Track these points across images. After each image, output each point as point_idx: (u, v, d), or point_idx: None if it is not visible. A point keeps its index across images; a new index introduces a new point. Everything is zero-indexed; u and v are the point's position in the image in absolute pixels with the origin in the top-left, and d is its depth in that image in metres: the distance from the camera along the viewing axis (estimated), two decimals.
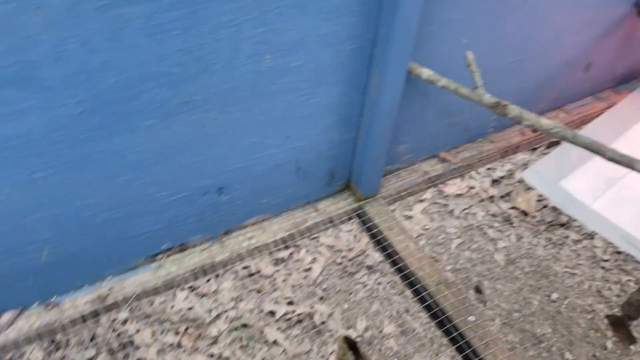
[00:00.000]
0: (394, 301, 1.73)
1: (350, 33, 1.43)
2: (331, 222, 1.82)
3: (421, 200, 2.13)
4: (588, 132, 2.18)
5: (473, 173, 2.19)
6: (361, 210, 1.85)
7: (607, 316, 1.69)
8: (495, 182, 2.15)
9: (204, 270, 1.67)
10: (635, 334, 1.66)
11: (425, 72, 1.58)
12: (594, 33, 2.03)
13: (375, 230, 1.80)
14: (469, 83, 1.54)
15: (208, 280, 1.73)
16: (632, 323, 1.67)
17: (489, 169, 2.23)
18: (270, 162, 1.61)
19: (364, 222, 1.84)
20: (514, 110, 1.50)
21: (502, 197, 2.08)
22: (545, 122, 1.48)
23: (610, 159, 1.44)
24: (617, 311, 1.71)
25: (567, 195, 1.99)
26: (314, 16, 1.33)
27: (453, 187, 2.15)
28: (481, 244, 1.96)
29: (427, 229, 1.99)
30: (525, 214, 2.03)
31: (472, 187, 2.15)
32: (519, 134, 2.13)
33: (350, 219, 1.85)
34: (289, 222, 1.78)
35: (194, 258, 1.68)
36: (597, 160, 2.12)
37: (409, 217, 2.06)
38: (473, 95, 1.55)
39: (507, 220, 2.02)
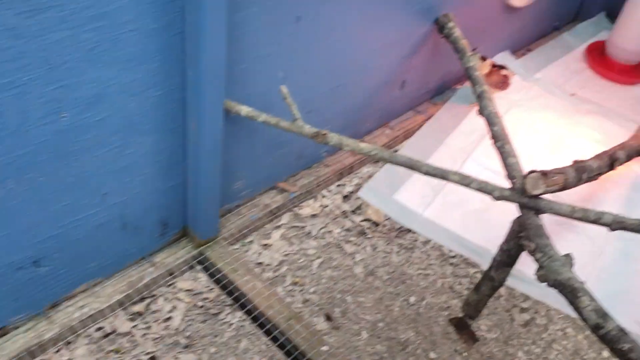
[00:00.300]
0: (262, 335, 1.67)
1: (155, 79, 1.37)
2: (171, 274, 1.73)
3: (278, 227, 2.11)
4: (412, 144, 2.31)
5: (325, 192, 2.21)
6: (202, 257, 1.78)
7: (450, 320, 1.78)
8: (346, 197, 2.20)
9: (31, 353, 1.50)
10: (477, 333, 1.77)
11: (244, 109, 1.56)
12: (403, 53, 2.16)
13: (220, 275, 1.74)
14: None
15: (58, 351, 1.56)
16: (473, 322, 1.78)
17: (339, 185, 2.27)
18: (90, 223, 1.49)
19: (207, 269, 1.77)
20: (333, 138, 1.53)
21: (353, 211, 2.13)
22: (363, 146, 1.53)
23: (426, 173, 1.52)
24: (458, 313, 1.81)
25: (401, 207, 2.09)
26: (110, 67, 1.25)
27: (307, 208, 2.15)
28: (340, 261, 1.97)
29: (288, 254, 1.97)
30: (376, 224, 2.09)
31: (325, 206, 2.17)
32: (351, 155, 2.19)
33: (191, 267, 1.78)
34: (123, 283, 1.65)
35: (18, 341, 1.50)
36: None
37: (268, 246, 2.03)
38: (294, 128, 1.56)
39: (362, 232, 2.06)
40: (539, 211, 1.45)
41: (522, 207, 1.47)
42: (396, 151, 2.31)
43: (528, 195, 1.43)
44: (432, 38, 2.21)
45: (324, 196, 2.15)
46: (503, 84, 2.37)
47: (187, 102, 1.46)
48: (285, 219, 2.03)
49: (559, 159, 2.28)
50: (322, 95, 1.93)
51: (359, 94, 2.10)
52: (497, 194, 1.47)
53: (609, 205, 2.14)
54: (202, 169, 1.57)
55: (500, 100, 2.54)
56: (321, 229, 2.04)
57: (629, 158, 1.79)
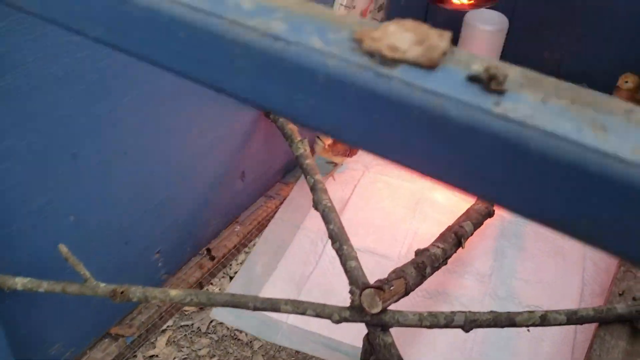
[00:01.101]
0: None
1: None
2: None
3: (164, 331, 1.83)
4: (267, 236, 2.10)
5: (213, 280, 1.97)
6: None
7: None
8: (232, 278, 1.97)
9: None
10: None
11: (20, 282, 1.28)
12: (234, 145, 1.96)
13: None
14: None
15: None
16: None
17: (225, 267, 2.03)
18: None
19: None
20: (135, 293, 1.28)
21: None
22: (174, 294, 1.29)
23: (255, 309, 1.30)
24: None
25: (262, 318, 1.85)
26: None
27: None
28: (237, 354, 1.74)
29: None
30: None
31: None
32: (197, 268, 1.94)
33: None
34: None
35: None
36: (283, 264, 2.04)
37: (154, 358, 1.74)
38: (86, 290, 1.29)
39: None
40: (385, 326, 1.27)
41: (367, 325, 1.28)
42: (260, 240, 2.10)
43: (368, 313, 1.24)
44: (262, 122, 2.03)
45: (211, 284, 1.92)
46: (351, 150, 2.22)
47: None
48: (170, 321, 1.81)
49: (421, 219, 2.16)
50: (140, 219, 1.68)
51: (190, 201, 1.87)
52: (335, 318, 1.27)
53: (479, 262, 2.01)
54: None
55: (354, 165, 2.40)
56: (211, 322, 1.86)
57: (477, 226, 1.66)
